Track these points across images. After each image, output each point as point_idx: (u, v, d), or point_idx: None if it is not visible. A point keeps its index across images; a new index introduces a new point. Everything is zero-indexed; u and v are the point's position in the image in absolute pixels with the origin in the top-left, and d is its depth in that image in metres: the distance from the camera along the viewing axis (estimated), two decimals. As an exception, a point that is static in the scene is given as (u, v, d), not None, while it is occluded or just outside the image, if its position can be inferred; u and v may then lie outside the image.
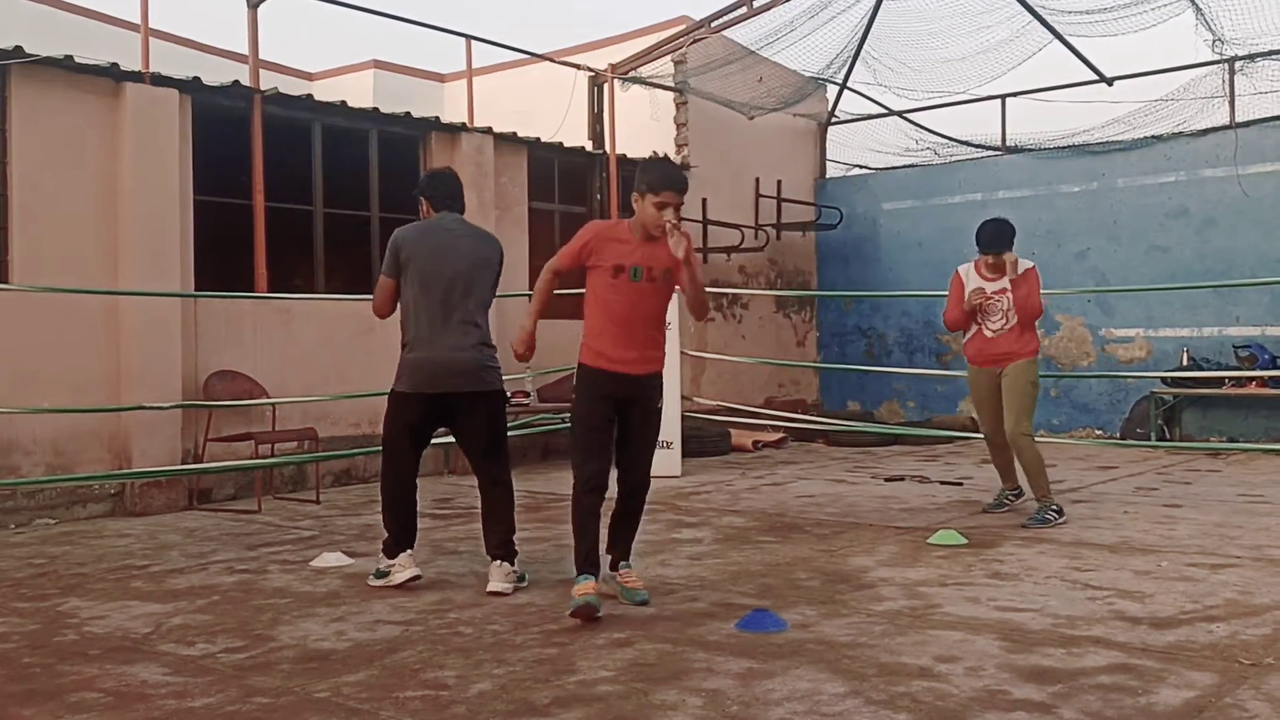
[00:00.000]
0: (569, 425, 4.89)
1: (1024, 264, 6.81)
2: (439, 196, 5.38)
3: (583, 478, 4.68)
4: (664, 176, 4.70)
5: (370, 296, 5.45)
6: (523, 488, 8.82)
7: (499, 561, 5.14)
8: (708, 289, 11.72)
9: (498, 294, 5.41)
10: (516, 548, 5.23)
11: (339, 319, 9.16)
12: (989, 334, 6.90)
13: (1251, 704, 3.41)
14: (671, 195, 4.67)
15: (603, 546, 4.85)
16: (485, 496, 5.28)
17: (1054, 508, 6.75)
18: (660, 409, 4.92)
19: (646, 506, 5.00)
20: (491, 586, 5.07)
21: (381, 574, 5.27)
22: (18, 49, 7.41)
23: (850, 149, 14.18)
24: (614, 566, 4.92)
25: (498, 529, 5.20)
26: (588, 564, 4.64)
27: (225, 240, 9.07)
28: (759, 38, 11.39)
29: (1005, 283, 6.80)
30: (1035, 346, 6.93)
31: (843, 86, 13.33)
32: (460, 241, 5.27)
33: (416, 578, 5.21)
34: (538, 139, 10.96)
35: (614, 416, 4.75)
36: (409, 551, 5.25)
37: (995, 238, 6.78)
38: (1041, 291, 6.93)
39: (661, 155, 4.66)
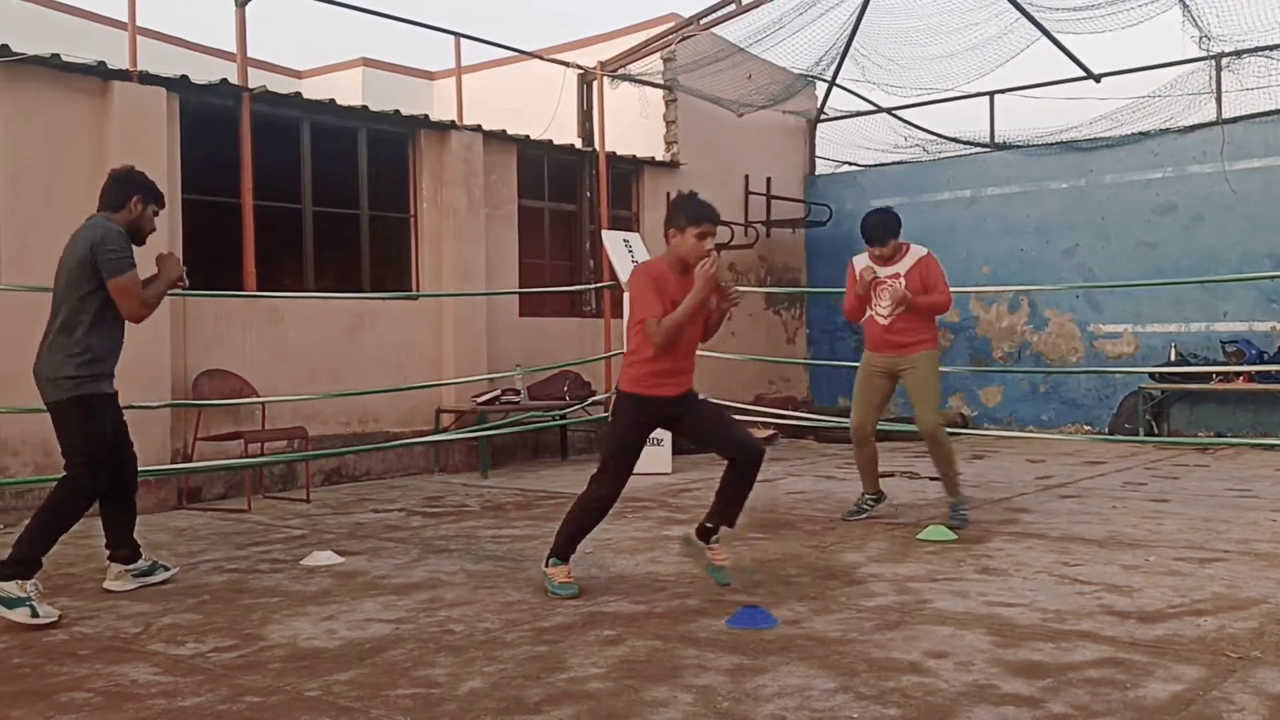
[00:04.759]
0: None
1: (918, 251, 6.58)
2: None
3: None
4: (705, 209, 4.94)
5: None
6: (513, 485, 8.87)
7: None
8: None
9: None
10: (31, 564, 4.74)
11: (328, 317, 9.14)
12: (881, 320, 6.58)
13: (1239, 697, 3.43)
14: (710, 227, 4.93)
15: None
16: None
17: (965, 508, 6.52)
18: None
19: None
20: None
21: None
22: (4, 48, 7.37)
23: (839, 146, 14.18)
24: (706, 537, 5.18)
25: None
26: None
27: (214, 239, 9.04)
28: (748, 35, 11.39)
29: (898, 269, 6.56)
30: (936, 336, 6.70)
31: (831, 83, 13.34)
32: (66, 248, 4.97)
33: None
34: (527, 136, 10.95)
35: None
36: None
37: (875, 229, 6.54)
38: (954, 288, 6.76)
39: (688, 192, 5.07)
